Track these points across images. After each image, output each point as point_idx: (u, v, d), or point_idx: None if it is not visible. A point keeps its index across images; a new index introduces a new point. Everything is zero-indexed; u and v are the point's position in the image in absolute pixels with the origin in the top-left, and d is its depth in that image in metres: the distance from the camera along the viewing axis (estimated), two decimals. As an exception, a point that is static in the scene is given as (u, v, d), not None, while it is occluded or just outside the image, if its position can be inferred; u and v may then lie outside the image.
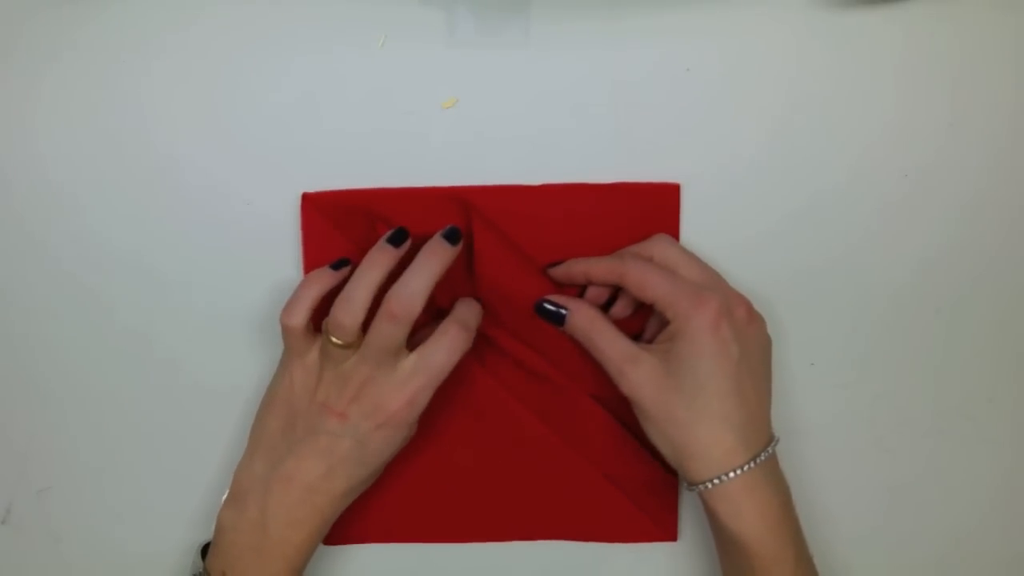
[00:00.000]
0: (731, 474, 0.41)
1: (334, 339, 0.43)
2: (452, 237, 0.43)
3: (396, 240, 0.44)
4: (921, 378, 0.48)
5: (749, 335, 0.43)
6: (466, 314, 0.45)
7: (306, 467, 0.43)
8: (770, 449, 0.42)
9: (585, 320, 0.44)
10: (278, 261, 0.47)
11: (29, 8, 0.46)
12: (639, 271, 0.43)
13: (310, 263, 0.47)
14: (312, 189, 0.47)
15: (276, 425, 0.45)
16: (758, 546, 0.41)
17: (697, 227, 0.47)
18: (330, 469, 0.43)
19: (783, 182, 0.47)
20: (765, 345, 0.44)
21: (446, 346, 0.43)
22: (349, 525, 0.49)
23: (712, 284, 0.44)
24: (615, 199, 0.46)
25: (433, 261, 0.42)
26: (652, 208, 0.46)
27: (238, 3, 0.46)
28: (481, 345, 0.47)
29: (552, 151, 0.46)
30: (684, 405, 0.41)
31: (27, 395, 0.49)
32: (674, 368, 0.42)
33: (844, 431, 0.48)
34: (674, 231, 0.47)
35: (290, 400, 0.45)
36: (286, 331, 0.44)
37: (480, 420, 0.48)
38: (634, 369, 0.42)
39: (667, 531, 0.49)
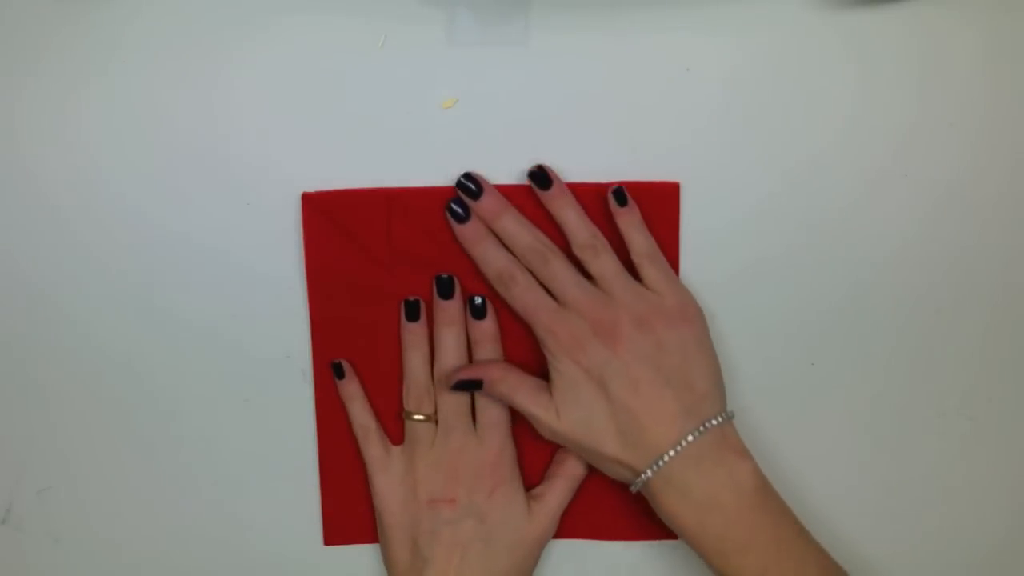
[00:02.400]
0: (665, 457, 0.42)
1: (416, 416, 0.46)
2: (445, 291, 0.46)
3: (413, 315, 0.46)
4: (921, 378, 0.48)
5: (644, 341, 0.43)
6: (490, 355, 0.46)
7: (441, 568, 0.44)
8: (710, 423, 0.42)
9: (497, 382, 0.45)
10: (278, 261, 0.47)
11: (29, 8, 0.46)
12: (522, 297, 0.44)
13: (311, 263, 0.47)
14: (312, 189, 0.47)
15: (403, 554, 0.46)
16: (710, 536, 0.42)
17: (697, 227, 0.47)
18: (463, 558, 0.44)
19: (783, 182, 0.47)
20: (683, 341, 0.44)
21: (493, 401, 0.46)
22: (349, 525, 0.49)
23: (627, 297, 0.44)
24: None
25: (453, 328, 0.46)
26: (652, 207, 0.46)
27: (238, 3, 0.45)
28: (481, 344, 0.47)
29: (551, 151, 0.46)
30: (582, 432, 0.43)
31: (27, 395, 0.49)
32: (560, 397, 0.44)
33: (844, 431, 0.48)
34: (674, 230, 0.47)
35: (401, 522, 0.46)
36: (366, 443, 0.47)
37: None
38: (541, 415, 0.44)
39: (667, 530, 0.49)
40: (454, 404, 0.46)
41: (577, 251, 0.45)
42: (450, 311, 0.46)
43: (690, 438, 0.42)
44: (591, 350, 0.43)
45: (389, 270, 0.47)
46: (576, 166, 0.46)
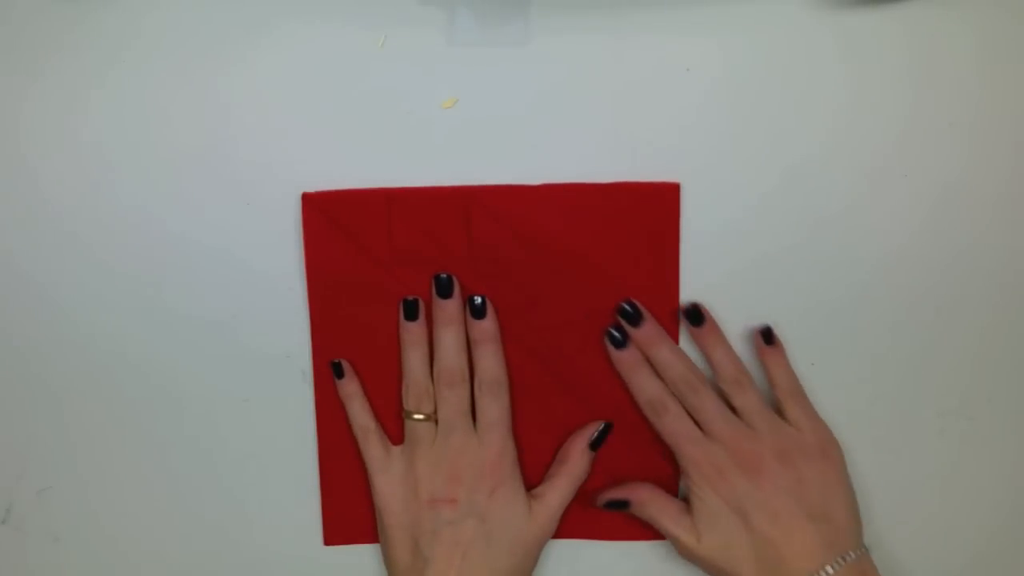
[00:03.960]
0: None
1: (416, 416, 0.46)
2: (444, 291, 0.46)
3: (411, 315, 0.46)
4: (921, 378, 0.48)
5: (785, 475, 0.44)
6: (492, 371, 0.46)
7: (442, 569, 0.44)
8: (849, 555, 0.43)
9: (646, 504, 0.46)
10: (279, 261, 0.47)
11: (28, 8, 0.46)
12: (671, 425, 0.45)
13: (311, 263, 0.47)
14: (312, 189, 0.47)
15: (403, 554, 0.46)
16: None
17: (696, 227, 0.47)
18: (464, 558, 0.44)
19: (782, 182, 0.47)
20: (823, 476, 0.45)
21: (493, 400, 0.46)
22: (349, 525, 0.49)
23: (768, 428, 0.45)
24: (615, 198, 0.46)
25: (452, 328, 0.46)
26: (652, 207, 0.46)
27: (238, 3, 0.46)
28: (481, 345, 0.47)
29: (552, 151, 0.46)
30: (722, 559, 0.44)
31: (27, 395, 0.49)
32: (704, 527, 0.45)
33: (844, 431, 0.48)
34: (674, 231, 0.47)
35: (402, 522, 0.46)
36: (366, 443, 0.47)
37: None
38: (683, 537, 0.45)
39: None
40: (454, 403, 0.46)
41: (723, 385, 0.46)
42: (449, 310, 0.46)
43: (830, 570, 0.42)
44: (733, 481, 0.44)
45: (389, 270, 0.47)
46: (576, 166, 0.46)
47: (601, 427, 0.47)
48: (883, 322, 0.48)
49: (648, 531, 0.48)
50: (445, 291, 0.46)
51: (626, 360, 0.46)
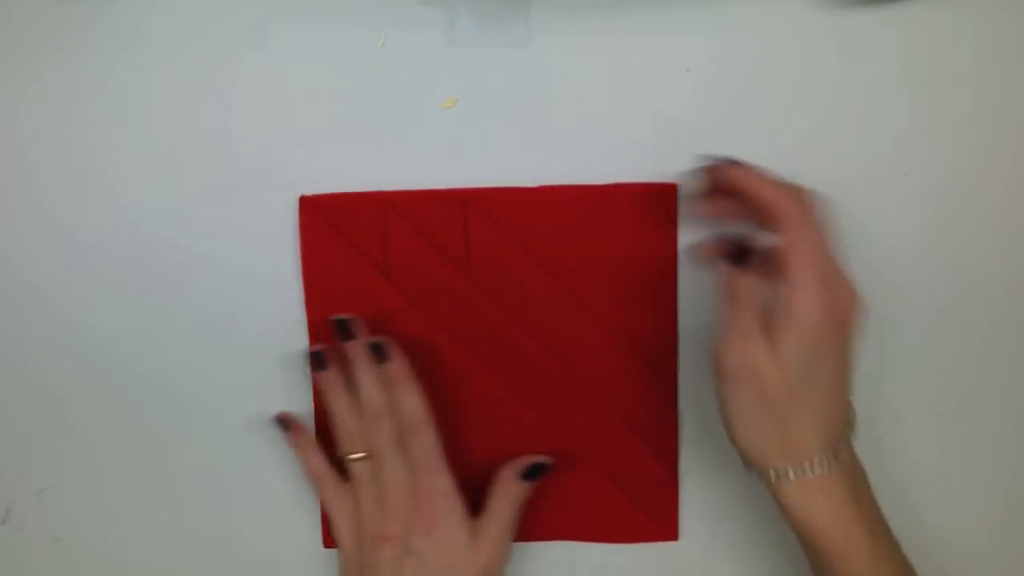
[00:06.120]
0: (808, 470, 0.40)
1: (351, 457, 0.45)
2: (345, 334, 0.46)
3: (319, 365, 0.46)
4: (921, 378, 0.48)
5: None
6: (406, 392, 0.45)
7: None
8: (848, 436, 0.42)
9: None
10: (278, 262, 0.47)
11: (28, 8, 0.46)
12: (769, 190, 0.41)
13: (308, 266, 0.47)
14: (312, 189, 0.47)
15: None
16: (827, 540, 0.40)
17: (695, 227, 0.47)
18: None
19: (783, 182, 0.47)
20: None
21: (415, 438, 0.45)
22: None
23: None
24: (613, 199, 0.46)
25: (363, 363, 0.45)
26: (650, 208, 0.46)
27: (238, 3, 0.46)
28: (478, 345, 0.47)
29: (552, 151, 0.46)
30: (792, 384, 0.39)
31: (27, 395, 0.49)
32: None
33: (844, 431, 0.48)
34: (672, 231, 0.47)
35: (352, 558, 0.46)
36: (323, 487, 0.46)
37: (477, 419, 0.48)
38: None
39: (667, 531, 0.49)
40: (384, 436, 0.45)
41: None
42: (357, 350, 0.46)
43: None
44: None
45: (386, 273, 0.47)
46: (575, 166, 0.46)
47: (533, 464, 0.46)
48: (883, 322, 0.48)
49: (637, 534, 0.48)
50: (346, 334, 0.46)
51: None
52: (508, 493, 0.46)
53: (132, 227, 0.47)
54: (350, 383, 0.46)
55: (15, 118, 0.47)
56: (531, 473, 0.46)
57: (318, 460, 0.47)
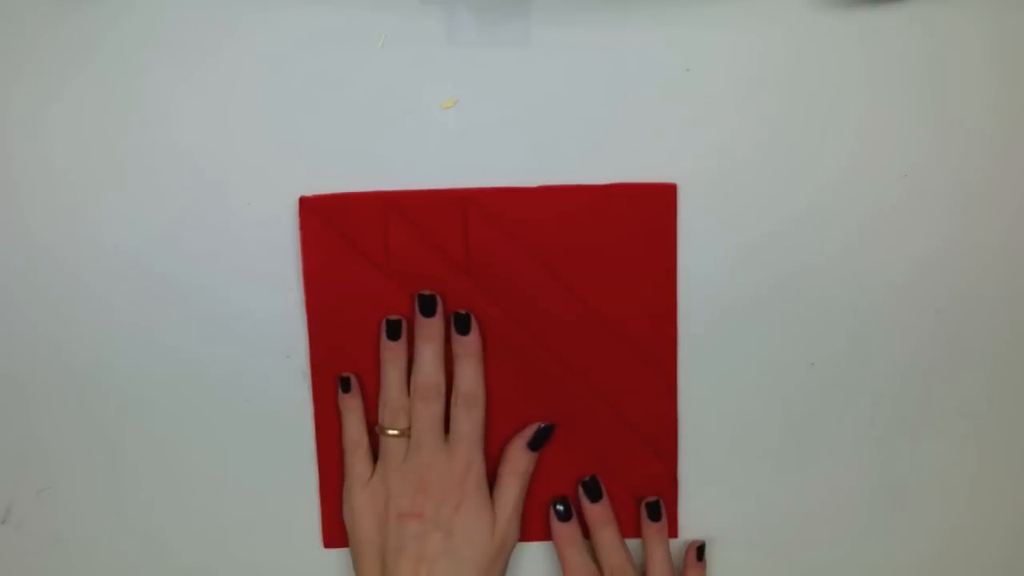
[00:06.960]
0: None
1: (391, 432, 0.46)
2: (428, 309, 0.46)
3: (394, 334, 0.47)
4: (921, 378, 0.48)
5: None
6: (471, 383, 0.47)
7: None
8: None
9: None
10: (278, 262, 0.47)
11: (28, 9, 0.46)
12: None
13: (309, 267, 0.47)
14: (312, 189, 0.47)
15: (371, 570, 0.46)
16: None
17: (695, 227, 0.47)
18: (429, 573, 0.44)
19: (782, 182, 0.47)
20: None
21: (467, 413, 0.46)
22: (349, 525, 0.49)
23: None
24: (612, 200, 0.46)
25: (432, 344, 0.46)
26: (649, 208, 0.46)
27: (238, 3, 0.46)
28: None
29: (551, 151, 0.46)
30: None
31: (27, 395, 0.49)
32: None
33: (844, 431, 0.48)
34: (671, 231, 0.47)
35: (372, 537, 0.46)
36: (354, 458, 0.47)
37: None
38: None
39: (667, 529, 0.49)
40: (428, 419, 0.46)
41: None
42: (431, 327, 0.46)
43: None
44: None
45: (387, 274, 0.47)
46: (575, 166, 0.46)
47: (537, 428, 0.47)
48: (883, 322, 0.48)
49: (632, 529, 0.49)
50: (429, 310, 0.46)
51: (566, 534, 0.48)
52: (517, 467, 0.47)
53: (131, 228, 0.47)
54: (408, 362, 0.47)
55: (9, 118, 0.46)
56: (537, 440, 0.47)
57: (360, 429, 0.47)
